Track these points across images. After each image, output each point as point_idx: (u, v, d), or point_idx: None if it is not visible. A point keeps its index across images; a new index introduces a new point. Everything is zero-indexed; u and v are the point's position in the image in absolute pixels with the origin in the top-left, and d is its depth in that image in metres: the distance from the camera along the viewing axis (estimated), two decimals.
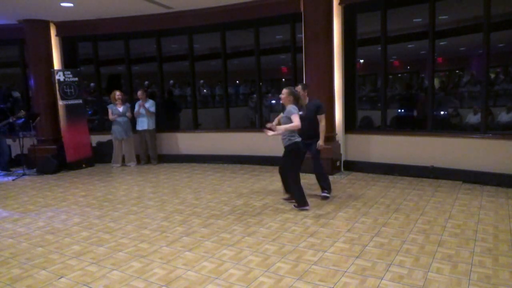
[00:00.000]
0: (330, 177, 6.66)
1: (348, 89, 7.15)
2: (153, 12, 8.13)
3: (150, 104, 8.25)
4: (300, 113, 4.72)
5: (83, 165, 8.39)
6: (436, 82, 10.25)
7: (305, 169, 7.03)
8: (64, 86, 8.27)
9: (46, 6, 7.33)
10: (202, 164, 8.37)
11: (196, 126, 8.98)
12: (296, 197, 4.93)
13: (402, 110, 8.76)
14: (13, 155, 8.82)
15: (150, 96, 8.86)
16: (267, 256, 3.61)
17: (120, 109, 8.23)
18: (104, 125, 9.27)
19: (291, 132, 4.69)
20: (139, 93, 8.27)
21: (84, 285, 3.21)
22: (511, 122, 7.51)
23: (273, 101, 10.94)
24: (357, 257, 3.50)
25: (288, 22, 7.73)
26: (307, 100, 5.22)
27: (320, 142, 5.18)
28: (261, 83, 8.37)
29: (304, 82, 5.26)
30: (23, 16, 8.05)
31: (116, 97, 8.23)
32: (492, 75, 9.74)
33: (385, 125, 7.14)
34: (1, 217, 5.17)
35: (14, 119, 7.76)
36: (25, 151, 8.20)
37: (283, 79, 14.25)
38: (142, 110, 8.19)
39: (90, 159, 8.58)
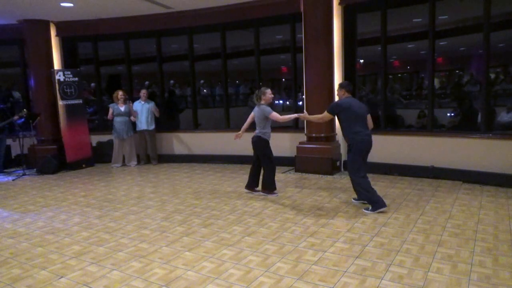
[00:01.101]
0: (330, 177, 6.69)
1: None
2: (153, 12, 8.13)
3: (152, 106, 8.30)
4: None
5: (83, 165, 8.39)
6: (436, 82, 10.24)
7: (307, 169, 7.09)
8: (64, 86, 8.27)
9: (46, 6, 7.33)
10: (202, 164, 8.37)
11: (196, 126, 8.98)
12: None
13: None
14: (13, 155, 8.82)
15: (150, 96, 8.87)
16: (267, 256, 3.61)
17: (122, 108, 8.25)
18: (104, 125, 9.28)
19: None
20: (143, 91, 8.32)
21: (84, 285, 3.21)
22: (511, 122, 7.50)
23: (280, 101, 10.71)
24: (357, 257, 3.50)
25: (288, 22, 7.73)
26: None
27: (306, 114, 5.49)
28: (261, 83, 8.37)
29: (344, 81, 5.42)
30: (23, 16, 8.05)
31: (119, 96, 8.24)
32: (492, 75, 9.73)
33: (385, 125, 7.14)
34: (1, 217, 5.17)
35: (17, 118, 7.77)
36: (25, 151, 8.20)
37: (283, 79, 14.26)
38: (144, 111, 8.20)
39: (90, 159, 8.58)
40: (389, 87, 9.23)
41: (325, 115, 5.01)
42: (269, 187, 5.64)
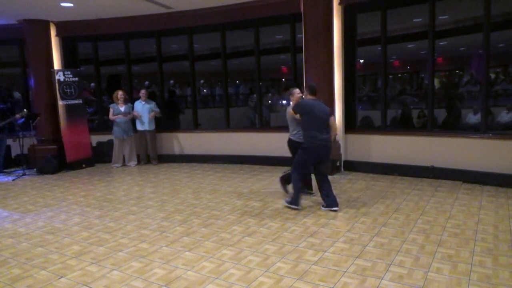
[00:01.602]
0: (330, 177, 6.67)
1: (348, 89, 7.15)
2: (153, 12, 8.13)
3: (153, 106, 8.30)
4: None
5: (83, 165, 8.39)
6: (436, 82, 10.25)
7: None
8: (64, 86, 8.27)
9: (46, 6, 7.33)
10: (202, 164, 8.37)
11: (196, 126, 8.98)
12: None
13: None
14: (13, 155, 8.82)
15: (150, 96, 8.87)
16: (267, 256, 3.61)
17: (122, 108, 8.25)
18: (104, 125, 9.28)
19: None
20: (143, 92, 8.32)
21: (84, 285, 3.21)
22: (511, 122, 7.51)
23: (284, 101, 10.34)
24: (357, 257, 3.50)
25: (288, 22, 7.72)
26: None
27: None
28: (261, 83, 8.37)
29: (311, 82, 5.54)
30: (23, 16, 8.04)
31: (119, 96, 8.24)
32: (492, 75, 9.74)
33: (385, 125, 7.14)
34: (1, 217, 5.17)
35: (18, 117, 7.77)
36: (25, 151, 8.20)
37: (283, 79, 14.28)
38: (144, 111, 8.20)
39: (90, 159, 8.58)
40: (389, 87, 9.23)
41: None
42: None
